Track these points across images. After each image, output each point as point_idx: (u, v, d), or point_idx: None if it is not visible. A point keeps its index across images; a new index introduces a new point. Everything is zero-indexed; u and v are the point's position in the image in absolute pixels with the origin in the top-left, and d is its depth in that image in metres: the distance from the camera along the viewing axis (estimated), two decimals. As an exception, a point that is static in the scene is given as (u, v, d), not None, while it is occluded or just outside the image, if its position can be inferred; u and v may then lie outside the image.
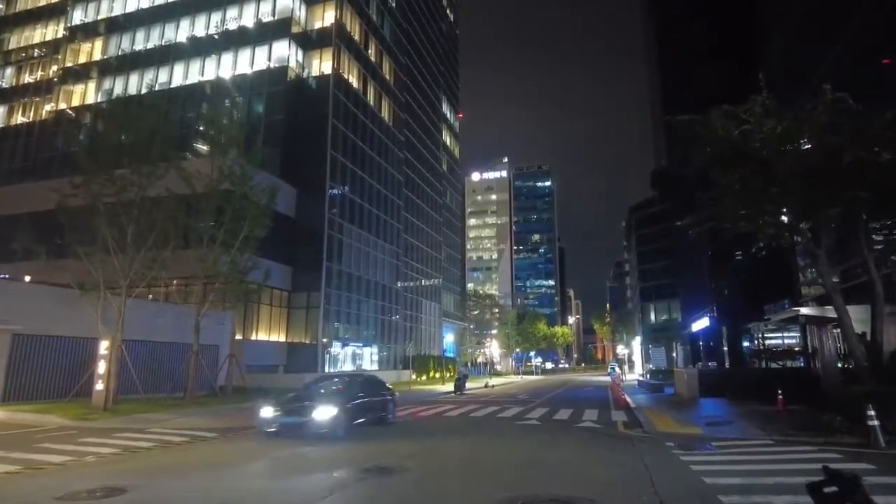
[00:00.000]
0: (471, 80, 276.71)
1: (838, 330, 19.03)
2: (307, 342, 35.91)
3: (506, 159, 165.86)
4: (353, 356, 40.89)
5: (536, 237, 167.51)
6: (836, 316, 16.44)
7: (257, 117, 38.60)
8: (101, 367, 16.40)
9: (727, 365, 30.10)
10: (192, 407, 18.71)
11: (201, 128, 30.65)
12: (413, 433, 13.46)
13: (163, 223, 18.86)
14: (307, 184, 37.17)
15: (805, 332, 22.20)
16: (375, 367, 43.41)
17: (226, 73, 40.59)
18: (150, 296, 29.72)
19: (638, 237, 69.70)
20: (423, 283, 58.45)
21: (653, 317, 62.80)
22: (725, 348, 30.68)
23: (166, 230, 18.91)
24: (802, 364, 24.20)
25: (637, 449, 10.70)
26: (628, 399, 21.88)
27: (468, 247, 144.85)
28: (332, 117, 38.33)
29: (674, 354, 55.03)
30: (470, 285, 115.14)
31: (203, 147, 30.09)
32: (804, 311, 16.98)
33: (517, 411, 18.38)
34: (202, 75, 41.36)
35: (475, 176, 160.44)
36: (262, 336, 34.16)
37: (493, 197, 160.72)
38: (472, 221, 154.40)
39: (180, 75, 42.18)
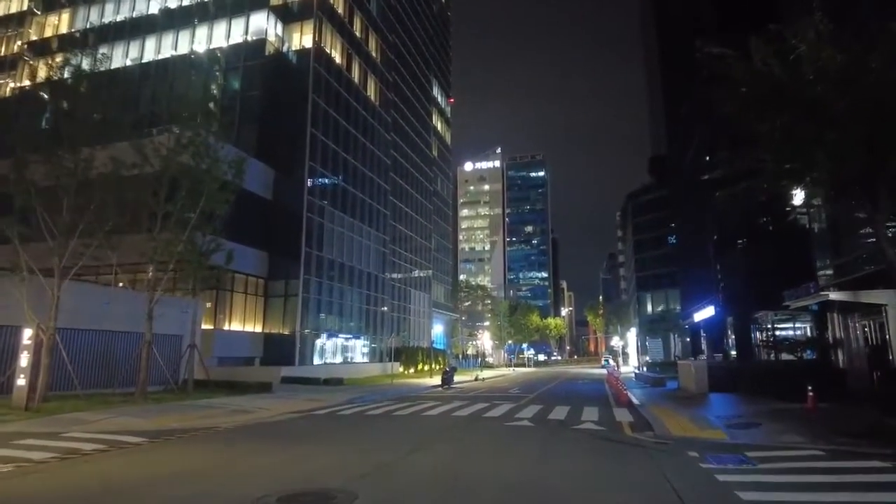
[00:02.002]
0: (463, 69, 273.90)
1: (867, 318, 17.06)
2: (285, 333, 33.58)
3: (499, 149, 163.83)
4: (336, 348, 38.67)
5: (529, 228, 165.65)
6: (873, 302, 14.46)
7: (233, 93, 35.99)
8: (24, 359, 14.07)
9: (734, 356, 28.15)
10: (140, 404, 16.63)
11: (166, 100, 28.30)
12: (374, 440, 11.30)
13: (103, 197, 16.48)
14: (285, 164, 34.70)
15: (824, 321, 20.21)
16: (361, 359, 41.29)
17: (200, 46, 37.92)
18: (121, 283, 27.46)
19: (635, 225, 67.80)
20: (412, 272, 56.19)
21: (650, 307, 60.89)
22: (732, 338, 28.71)
23: (106, 204, 16.52)
24: (813, 356, 22.32)
25: (654, 461, 8.62)
26: (630, 395, 19.85)
27: (461, 238, 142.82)
28: (312, 93, 35.71)
29: (672, 346, 53.25)
30: (462, 277, 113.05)
31: (168, 121, 27.56)
32: (834, 295, 14.90)
33: (507, 409, 16.27)
34: (175, 49, 38.64)
35: (468, 166, 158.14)
36: (236, 326, 31.82)
37: (486, 187, 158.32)
38: (464, 212, 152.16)
39: (152, 50, 39.50)
